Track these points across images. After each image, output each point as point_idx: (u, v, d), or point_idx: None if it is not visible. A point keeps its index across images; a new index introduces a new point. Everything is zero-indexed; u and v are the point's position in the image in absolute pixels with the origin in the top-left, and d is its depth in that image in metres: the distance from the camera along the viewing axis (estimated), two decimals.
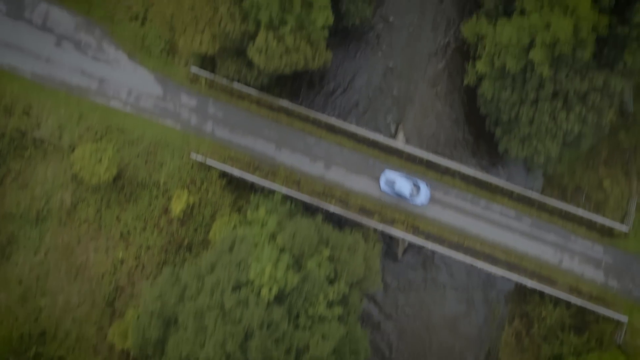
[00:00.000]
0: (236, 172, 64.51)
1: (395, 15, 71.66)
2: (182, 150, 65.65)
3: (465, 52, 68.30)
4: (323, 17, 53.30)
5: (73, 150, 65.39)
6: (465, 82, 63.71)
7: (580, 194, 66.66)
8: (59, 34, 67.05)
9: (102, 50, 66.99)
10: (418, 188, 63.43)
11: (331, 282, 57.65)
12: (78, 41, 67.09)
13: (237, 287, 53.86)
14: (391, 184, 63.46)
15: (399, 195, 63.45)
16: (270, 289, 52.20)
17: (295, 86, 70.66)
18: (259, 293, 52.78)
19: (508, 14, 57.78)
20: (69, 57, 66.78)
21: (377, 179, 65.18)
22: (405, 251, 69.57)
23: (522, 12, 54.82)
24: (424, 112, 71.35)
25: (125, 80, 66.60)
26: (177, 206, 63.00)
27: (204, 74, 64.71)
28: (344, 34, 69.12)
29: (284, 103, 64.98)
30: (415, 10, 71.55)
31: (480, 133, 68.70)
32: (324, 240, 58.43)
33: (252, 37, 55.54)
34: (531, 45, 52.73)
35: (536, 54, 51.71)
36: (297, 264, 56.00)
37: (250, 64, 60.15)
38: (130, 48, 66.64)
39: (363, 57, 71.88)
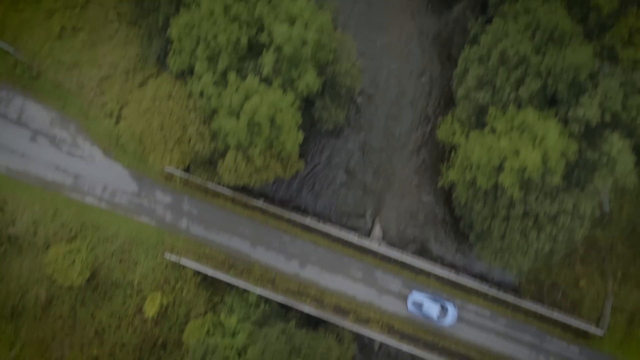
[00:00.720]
0: (211, 272, 64.36)
1: (371, 108, 71.74)
2: (156, 248, 65.46)
3: (441, 147, 68.09)
4: (292, 139, 52.97)
5: (48, 247, 65.28)
6: (440, 184, 63.40)
7: (557, 291, 66.30)
8: (34, 129, 66.92)
9: (77, 146, 66.80)
10: (445, 310, 62.98)
11: None
12: (53, 136, 66.94)
13: None
14: (419, 306, 63.22)
15: (427, 317, 63.15)
16: None
17: None
18: None
19: (481, 125, 57.50)
20: (44, 152, 66.65)
21: (352, 277, 65.07)
22: (381, 345, 69.27)
23: (493, 130, 54.54)
24: (401, 202, 70.85)
25: (101, 176, 66.44)
26: (151, 309, 62.85)
27: (179, 173, 64.53)
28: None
29: (259, 203, 64.80)
30: (388, 111, 71.65)
31: (458, 225, 68.31)
32: (296, 349, 58.18)
33: (222, 154, 55.33)
34: (501, 167, 52.45)
35: (505, 179, 51.41)
36: None
37: None
38: (105, 144, 66.45)
39: (339, 142, 71.51)
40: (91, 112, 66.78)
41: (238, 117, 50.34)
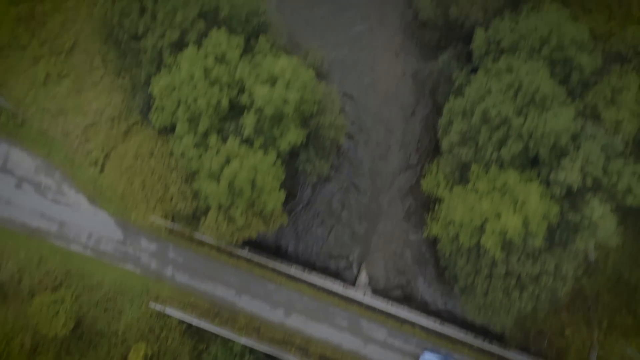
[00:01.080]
0: (195, 321, 64.21)
1: (357, 149, 71.63)
2: (141, 297, 65.29)
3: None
4: (274, 199, 52.80)
5: (32, 296, 65.17)
6: (425, 235, 63.19)
7: (543, 339, 66.03)
8: (20, 176, 66.83)
9: (62, 193, 66.67)
10: None
11: None
12: (38, 183, 66.82)
13: None
14: None
15: None
16: None
17: None
18: None
19: (464, 180, 57.32)
20: (29, 200, 66.55)
21: (337, 326, 64.92)
22: None
23: (476, 190, 54.32)
24: (388, 241, 70.48)
25: (86, 224, 66.30)
26: (135, 359, 62.66)
27: (164, 222, 64.35)
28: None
29: (243, 253, 64.68)
30: (374, 152, 71.50)
31: (443, 272, 68.18)
32: None
33: (204, 212, 55.19)
34: (483, 227, 52.29)
35: (487, 240, 51.28)
36: None
37: None
38: (91, 192, 66.30)
39: (324, 182, 71.21)
40: (76, 160, 66.67)
41: (218, 180, 50.16)
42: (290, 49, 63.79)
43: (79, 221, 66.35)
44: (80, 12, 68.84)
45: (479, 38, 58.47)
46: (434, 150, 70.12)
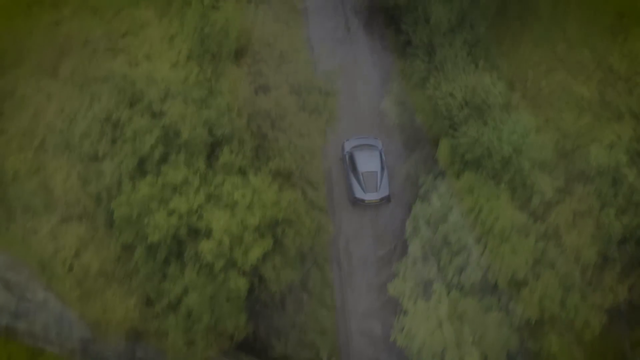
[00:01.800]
0: None
1: None
2: None
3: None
4: (234, 322, 52.83)
5: None
6: (392, 338, 63.01)
7: None
8: None
9: (31, 291, 66.48)
10: None
11: None
12: (7, 281, 66.71)
13: None
14: None
15: None
16: None
17: None
18: None
19: (427, 295, 57.27)
20: None
21: None
22: None
23: (438, 310, 54.30)
24: (361, 338, 70.50)
25: (54, 322, 66.15)
26: None
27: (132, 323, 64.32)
28: None
29: (212, 352, 64.59)
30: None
31: None
32: None
33: (166, 333, 55.21)
34: (443, 354, 52.29)
35: None
36: None
37: None
38: (59, 290, 66.03)
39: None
40: (45, 258, 66.43)
41: (176, 312, 50.19)
42: (257, 151, 63.71)
43: (48, 319, 66.19)
44: (50, 105, 68.73)
45: (444, 149, 58.53)
46: (405, 243, 69.85)
